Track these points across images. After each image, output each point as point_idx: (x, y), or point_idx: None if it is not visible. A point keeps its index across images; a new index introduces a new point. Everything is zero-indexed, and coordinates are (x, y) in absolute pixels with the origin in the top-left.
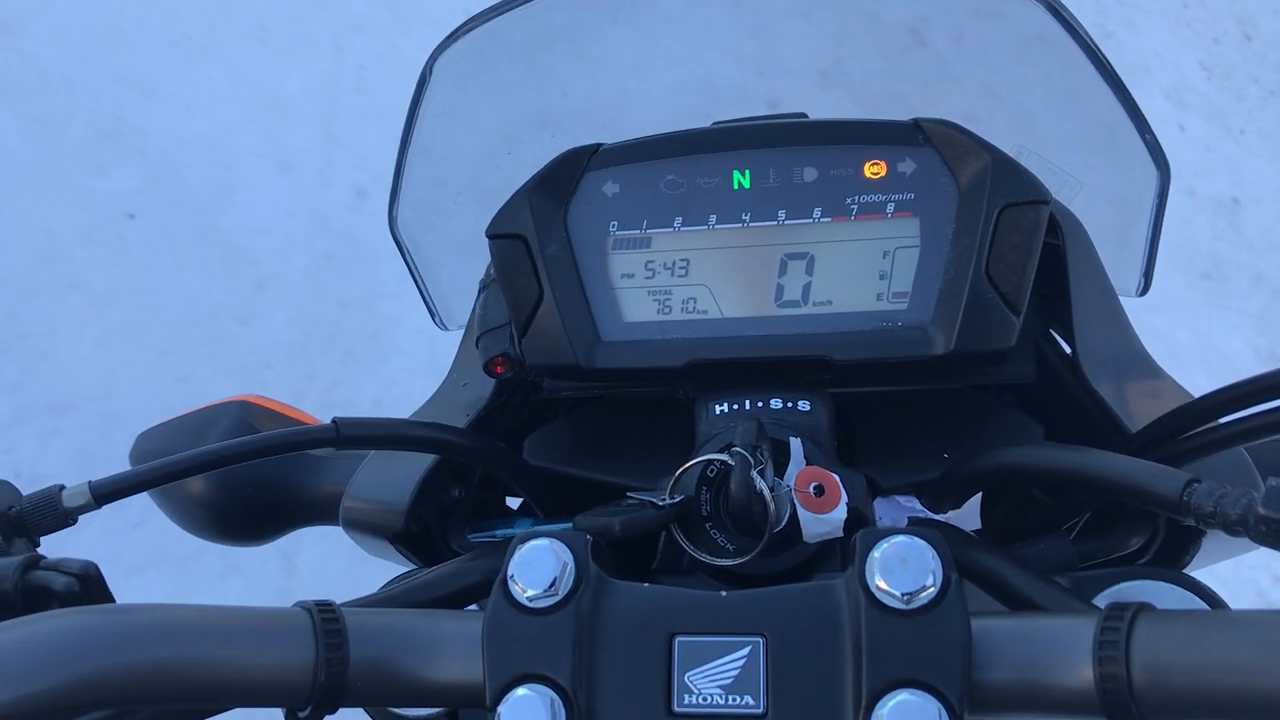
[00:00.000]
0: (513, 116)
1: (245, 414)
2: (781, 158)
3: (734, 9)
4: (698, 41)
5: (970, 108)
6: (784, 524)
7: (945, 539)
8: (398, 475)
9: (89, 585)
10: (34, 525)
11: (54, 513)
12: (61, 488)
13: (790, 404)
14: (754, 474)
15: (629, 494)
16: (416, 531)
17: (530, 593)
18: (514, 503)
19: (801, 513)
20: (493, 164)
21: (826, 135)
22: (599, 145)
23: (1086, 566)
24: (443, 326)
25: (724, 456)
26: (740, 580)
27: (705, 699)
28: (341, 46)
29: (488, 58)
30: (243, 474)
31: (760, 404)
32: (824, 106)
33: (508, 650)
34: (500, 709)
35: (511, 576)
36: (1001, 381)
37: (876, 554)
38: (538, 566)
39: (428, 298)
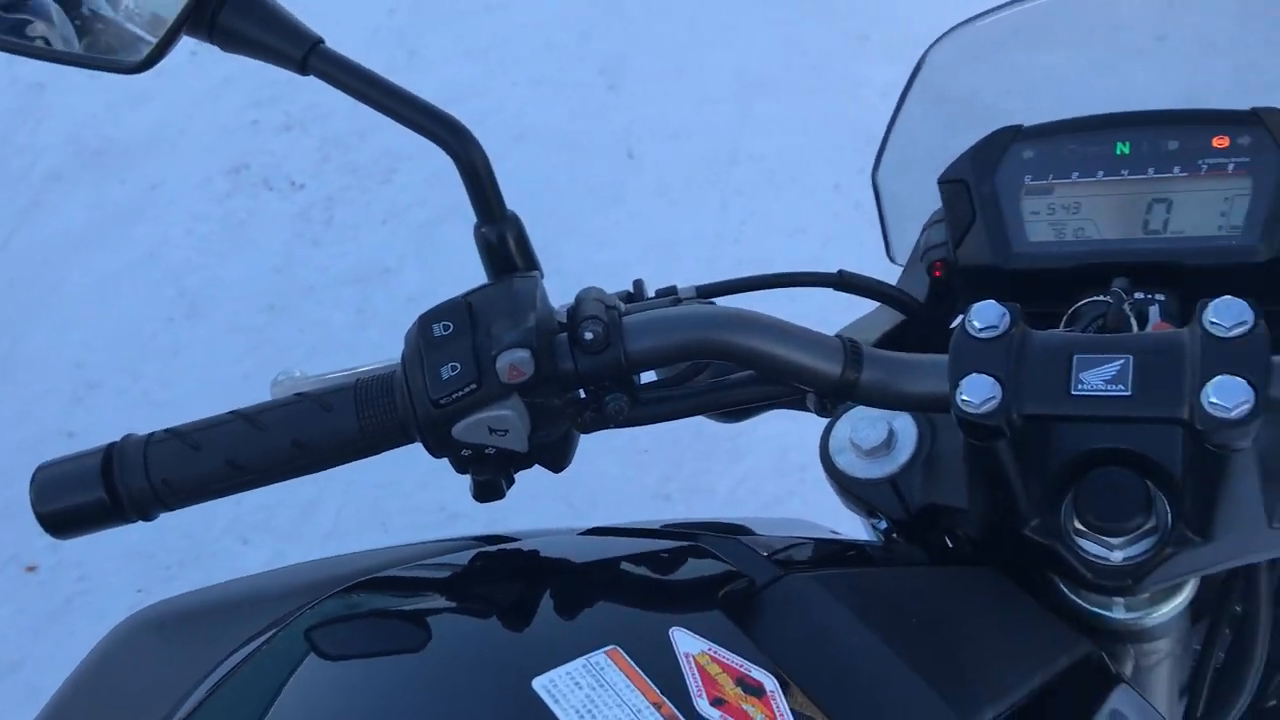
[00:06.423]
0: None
1: None
2: (1152, 134)
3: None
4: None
5: None
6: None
7: None
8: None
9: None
10: None
11: None
12: None
13: (1149, 295)
14: (1126, 307)
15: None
16: None
17: (980, 326)
18: None
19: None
20: (946, 140)
21: (1186, 119)
22: (1020, 125)
23: None
24: (892, 260)
25: (1106, 298)
26: None
27: (1092, 388)
28: None
29: (969, 52)
30: None
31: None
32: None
33: (965, 358)
34: (961, 383)
35: (970, 319)
36: None
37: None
38: (989, 313)
39: (888, 236)
